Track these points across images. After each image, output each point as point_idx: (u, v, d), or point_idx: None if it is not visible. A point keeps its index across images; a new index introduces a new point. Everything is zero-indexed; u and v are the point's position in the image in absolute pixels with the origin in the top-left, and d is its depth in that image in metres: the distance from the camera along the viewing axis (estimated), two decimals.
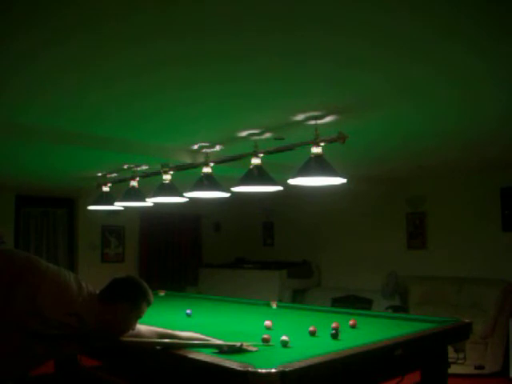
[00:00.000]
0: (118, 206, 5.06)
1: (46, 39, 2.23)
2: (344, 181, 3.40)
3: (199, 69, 2.62)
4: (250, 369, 2.02)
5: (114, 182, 5.17)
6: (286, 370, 2.01)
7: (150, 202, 4.64)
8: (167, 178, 4.33)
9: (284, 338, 2.65)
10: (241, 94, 3.06)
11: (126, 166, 4.92)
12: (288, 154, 3.70)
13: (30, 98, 3.10)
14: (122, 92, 2.99)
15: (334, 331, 2.85)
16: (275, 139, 3.96)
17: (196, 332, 2.63)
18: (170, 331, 2.60)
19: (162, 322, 3.80)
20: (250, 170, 3.61)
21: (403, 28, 2.17)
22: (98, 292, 2.39)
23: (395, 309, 5.93)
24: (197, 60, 2.50)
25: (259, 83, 2.88)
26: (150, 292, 2.43)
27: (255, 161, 3.61)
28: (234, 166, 4.14)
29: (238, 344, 2.46)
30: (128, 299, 2.35)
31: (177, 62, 2.52)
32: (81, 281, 2.33)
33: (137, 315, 2.39)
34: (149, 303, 2.42)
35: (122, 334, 2.39)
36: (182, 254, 8.56)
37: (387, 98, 3.20)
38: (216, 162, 4.03)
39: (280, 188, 3.70)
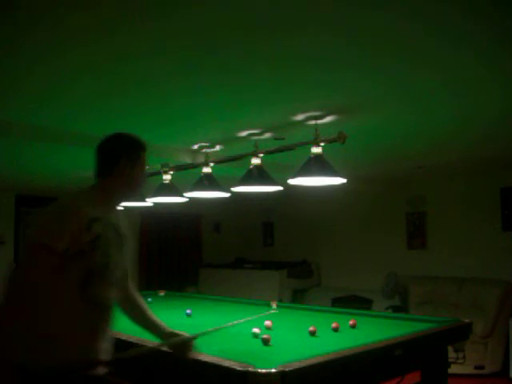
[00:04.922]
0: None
1: (53, 44, 2.25)
2: (344, 181, 3.40)
3: (200, 71, 2.62)
4: (250, 369, 2.03)
5: None
6: (286, 369, 2.02)
7: (150, 201, 4.64)
8: (167, 178, 4.33)
9: (255, 330, 2.77)
10: (241, 94, 3.07)
11: None
12: (288, 154, 3.69)
13: (37, 100, 3.11)
14: (123, 92, 3.00)
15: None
16: (275, 139, 3.96)
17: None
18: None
19: (162, 321, 3.80)
20: (250, 170, 3.61)
21: (402, 32, 2.18)
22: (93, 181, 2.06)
23: (395, 309, 5.93)
24: (198, 66, 2.52)
25: (260, 84, 2.88)
26: (137, 138, 2.15)
27: (255, 161, 3.61)
28: (233, 166, 4.14)
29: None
30: (124, 159, 2.03)
31: (177, 72, 2.57)
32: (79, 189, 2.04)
33: (142, 166, 2.08)
34: (144, 149, 2.12)
35: (139, 189, 2.12)
36: (182, 254, 8.56)
37: (387, 100, 3.20)
38: (216, 162, 4.03)
39: (280, 188, 3.71)
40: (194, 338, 2.18)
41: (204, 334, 2.28)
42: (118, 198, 2.05)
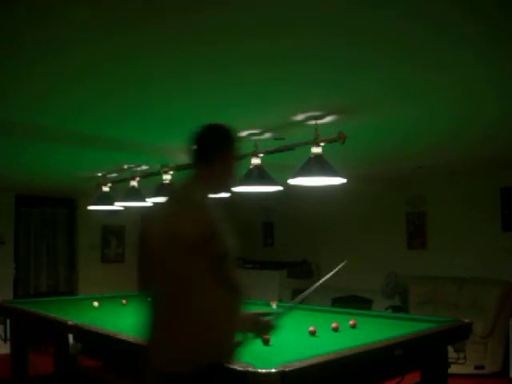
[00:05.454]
0: (118, 206, 5.06)
1: (53, 44, 2.25)
2: (344, 181, 3.41)
3: (200, 71, 2.62)
4: (250, 369, 2.02)
5: (114, 182, 5.17)
6: (286, 369, 2.02)
7: (149, 202, 4.64)
8: (167, 178, 4.33)
9: None
10: (241, 94, 3.07)
11: (125, 166, 4.92)
12: (288, 154, 3.69)
13: (38, 100, 3.12)
14: (123, 93, 3.00)
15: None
16: (275, 139, 3.96)
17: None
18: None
19: None
20: (250, 170, 3.61)
21: (402, 32, 2.18)
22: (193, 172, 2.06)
23: (395, 309, 5.93)
24: (199, 67, 2.54)
25: (259, 84, 2.88)
26: (231, 130, 2.09)
27: (255, 161, 3.61)
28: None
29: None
30: (221, 152, 2.02)
31: (177, 73, 2.58)
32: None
33: (235, 158, 2.08)
34: (237, 141, 2.10)
35: (233, 181, 2.14)
36: None
37: (387, 100, 3.20)
38: None
39: (280, 188, 3.71)
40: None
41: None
42: (214, 189, 2.06)
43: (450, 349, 3.15)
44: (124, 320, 3.79)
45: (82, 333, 3.23)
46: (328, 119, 3.49)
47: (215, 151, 2.01)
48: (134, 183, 4.74)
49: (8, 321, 4.65)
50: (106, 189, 5.16)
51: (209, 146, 2.02)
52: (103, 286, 6.26)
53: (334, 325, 3.10)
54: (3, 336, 4.71)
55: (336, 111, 3.36)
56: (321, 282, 2.51)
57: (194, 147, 2.03)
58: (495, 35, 2.23)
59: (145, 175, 4.76)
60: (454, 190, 6.35)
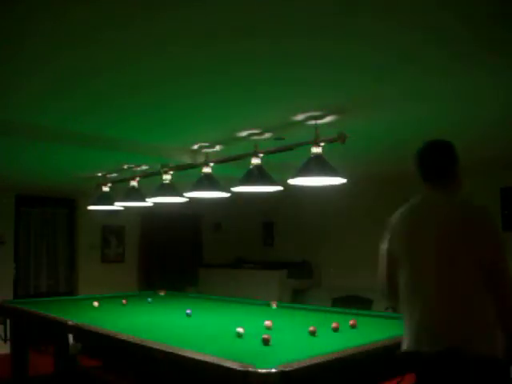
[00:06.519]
0: (118, 206, 5.07)
1: (58, 43, 2.25)
2: (344, 181, 3.41)
3: (200, 72, 2.62)
4: (250, 369, 2.02)
5: (114, 181, 5.17)
6: (286, 369, 2.02)
7: (150, 202, 4.64)
8: (167, 178, 4.33)
9: (239, 329, 2.83)
10: (241, 94, 3.07)
11: (125, 166, 4.92)
12: (288, 154, 3.69)
13: (38, 100, 3.12)
14: (123, 93, 3.00)
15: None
16: (275, 139, 3.96)
17: None
18: None
19: (162, 321, 3.81)
20: (250, 170, 3.61)
21: (401, 33, 2.19)
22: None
23: (395, 309, 5.91)
24: (200, 68, 2.53)
25: (260, 84, 2.88)
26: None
27: (255, 161, 3.62)
28: (234, 166, 4.14)
29: None
30: (458, 163, 2.58)
31: (178, 73, 2.57)
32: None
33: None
34: None
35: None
36: (182, 254, 8.56)
37: (387, 100, 3.20)
38: (216, 162, 4.04)
39: (280, 188, 3.71)
40: None
41: None
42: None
43: None
44: (124, 320, 3.80)
45: (81, 333, 3.23)
46: (328, 119, 3.49)
47: (456, 164, 2.53)
48: (134, 183, 4.74)
49: (8, 321, 4.65)
50: (106, 189, 5.16)
51: (451, 161, 2.53)
52: (103, 285, 6.27)
53: (333, 325, 3.09)
54: (3, 336, 4.71)
55: (336, 111, 3.36)
56: None
57: (434, 165, 2.52)
58: (494, 38, 2.23)
59: (145, 175, 4.76)
60: None
